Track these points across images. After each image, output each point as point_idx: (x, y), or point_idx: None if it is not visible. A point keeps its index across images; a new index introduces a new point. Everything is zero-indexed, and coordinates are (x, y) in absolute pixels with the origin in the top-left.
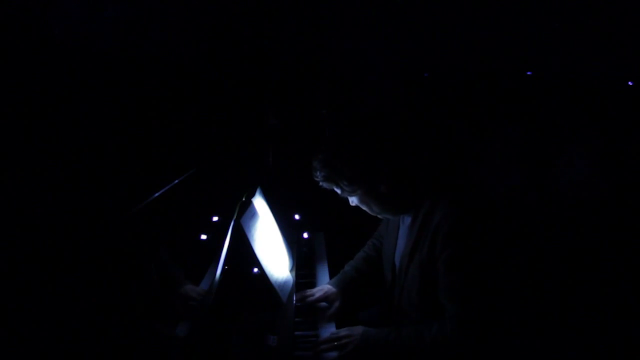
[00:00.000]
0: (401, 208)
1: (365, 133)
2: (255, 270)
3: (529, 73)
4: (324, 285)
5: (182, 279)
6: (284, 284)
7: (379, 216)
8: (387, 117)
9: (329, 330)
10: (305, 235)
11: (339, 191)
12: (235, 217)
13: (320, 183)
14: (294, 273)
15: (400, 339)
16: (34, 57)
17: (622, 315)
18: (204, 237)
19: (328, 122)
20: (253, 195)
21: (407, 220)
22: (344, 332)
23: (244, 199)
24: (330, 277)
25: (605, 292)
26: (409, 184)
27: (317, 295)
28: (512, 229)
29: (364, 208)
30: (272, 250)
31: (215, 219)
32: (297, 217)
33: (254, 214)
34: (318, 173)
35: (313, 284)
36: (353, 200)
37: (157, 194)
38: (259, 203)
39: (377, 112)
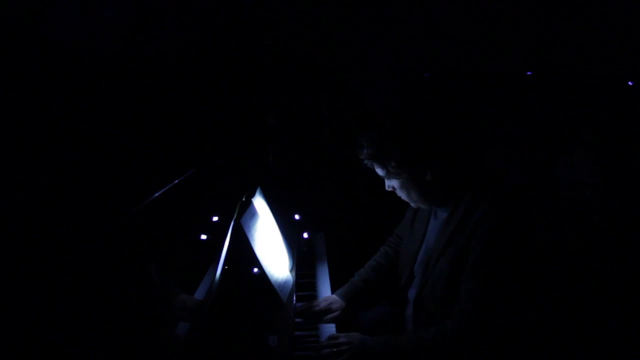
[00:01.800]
0: (440, 199)
1: (421, 117)
2: (255, 270)
3: (529, 73)
4: (329, 296)
5: (176, 290)
6: (284, 284)
7: (412, 204)
8: (440, 106)
9: (329, 330)
10: (305, 235)
11: (381, 173)
12: (235, 217)
13: (365, 161)
14: (294, 273)
15: (398, 343)
16: (34, 57)
17: (622, 316)
18: (204, 237)
19: (328, 122)
20: (253, 195)
21: (442, 214)
22: (342, 338)
23: (244, 199)
24: (330, 278)
25: (605, 292)
26: (455, 175)
27: (321, 306)
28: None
29: (402, 194)
30: (272, 250)
31: (215, 219)
32: (297, 217)
33: (254, 214)
34: (365, 150)
35: (313, 284)
36: (392, 185)
37: (157, 194)
38: (259, 203)
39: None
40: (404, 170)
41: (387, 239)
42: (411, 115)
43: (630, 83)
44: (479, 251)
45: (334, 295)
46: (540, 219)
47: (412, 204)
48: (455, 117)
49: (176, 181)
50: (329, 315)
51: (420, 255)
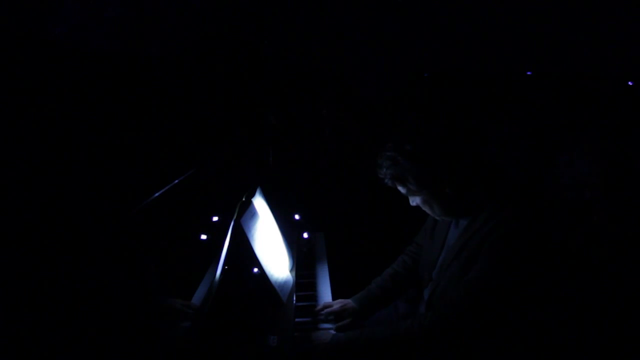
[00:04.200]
0: (463, 210)
1: (436, 134)
2: (255, 270)
3: (529, 73)
4: (344, 300)
5: (162, 294)
6: (284, 284)
7: (437, 217)
8: (454, 119)
9: (328, 331)
10: (305, 235)
11: (402, 191)
12: (235, 217)
13: (385, 180)
14: (294, 273)
15: (373, 334)
16: (35, 57)
17: (622, 316)
18: (204, 237)
19: (328, 122)
20: (253, 195)
21: (463, 222)
22: (312, 337)
23: (244, 199)
24: (330, 278)
25: (605, 293)
26: (474, 186)
27: (335, 307)
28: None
29: (425, 209)
30: (272, 250)
31: (215, 219)
32: (297, 217)
33: (254, 214)
34: (384, 170)
35: (313, 284)
36: (415, 201)
37: (157, 194)
38: (259, 203)
39: (446, 114)
40: (424, 187)
41: (406, 247)
42: (426, 134)
43: (630, 83)
44: (489, 253)
45: (349, 300)
46: (551, 226)
47: (437, 218)
48: (468, 129)
49: (176, 181)
50: (340, 323)
51: (440, 261)
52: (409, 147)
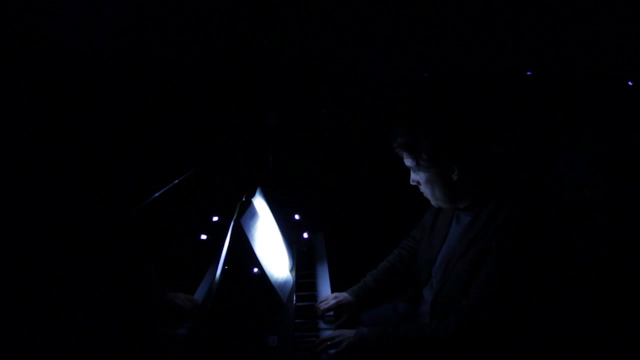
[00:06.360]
0: (463, 200)
1: (458, 112)
2: (255, 270)
3: (529, 73)
4: (339, 294)
5: (164, 289)
6: (284, 284)
7: (433, 202)
8: (479, 104)
9: (329, 330)
10: (305, 235)
11: (409, 164)
12: (235, 217)
13: (396, 150)
14: (294, 273)
15: (398, 333)
16: (34, 57)
17: (622, 317)
18: (204, 237)
19: (328, 122)
20: (253, 195)
21: (465, 218)
22: (336, 332)
23: (244, 199)
24: (330, 278)
25: (605, 293)
26: (480, 178)
27: (331, 303)
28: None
29: (425, 189)
30: (272, 250)
31: (215, 219)
32: (297, 217)
33: (254, 214)
34: (398, 138)
35: (313, 284)
36: (417, 179)
37: (157, 194)
38: (259, 203)
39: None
40: (434, 164)
41: (402, 241)
42: (448, 112)
43: (630, 83)
44: (498, 252)
45: (344, 293)
46: (558, 225)
47: (433, 202)
48: (482, 119)
49: (176, 181)
50: (337, 322)
51: (440, 257)
52: (430, 121)
